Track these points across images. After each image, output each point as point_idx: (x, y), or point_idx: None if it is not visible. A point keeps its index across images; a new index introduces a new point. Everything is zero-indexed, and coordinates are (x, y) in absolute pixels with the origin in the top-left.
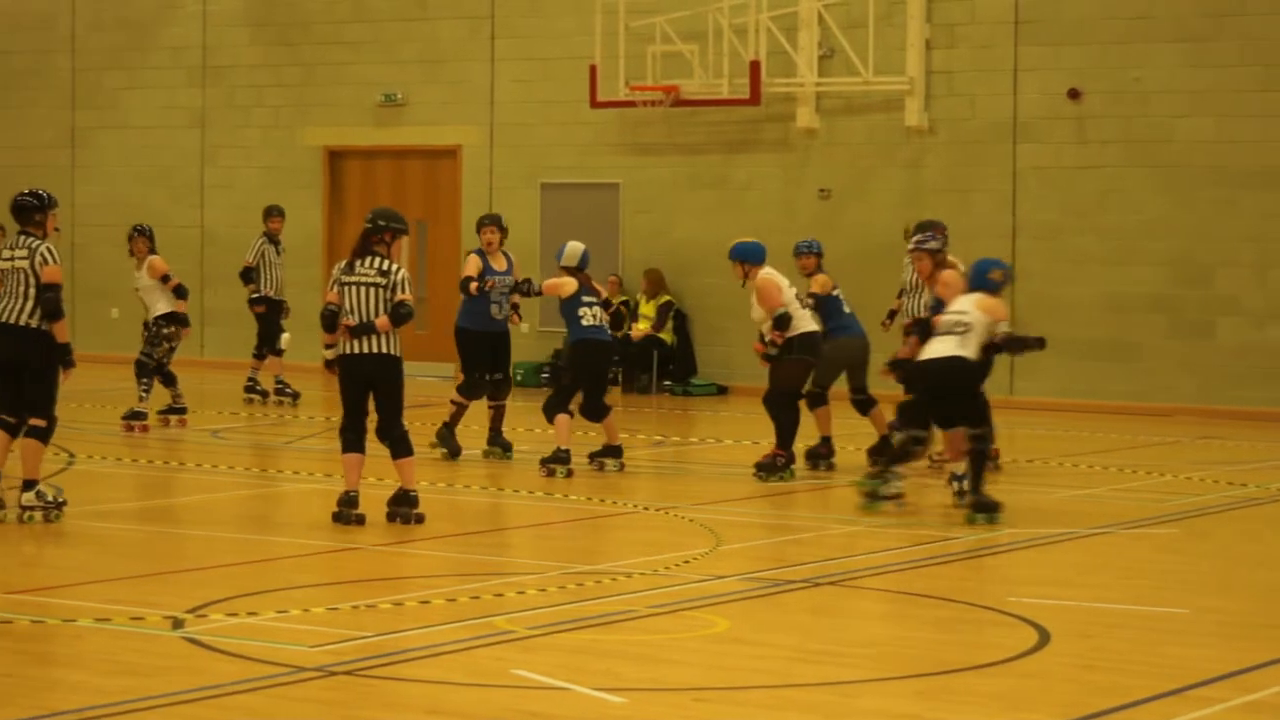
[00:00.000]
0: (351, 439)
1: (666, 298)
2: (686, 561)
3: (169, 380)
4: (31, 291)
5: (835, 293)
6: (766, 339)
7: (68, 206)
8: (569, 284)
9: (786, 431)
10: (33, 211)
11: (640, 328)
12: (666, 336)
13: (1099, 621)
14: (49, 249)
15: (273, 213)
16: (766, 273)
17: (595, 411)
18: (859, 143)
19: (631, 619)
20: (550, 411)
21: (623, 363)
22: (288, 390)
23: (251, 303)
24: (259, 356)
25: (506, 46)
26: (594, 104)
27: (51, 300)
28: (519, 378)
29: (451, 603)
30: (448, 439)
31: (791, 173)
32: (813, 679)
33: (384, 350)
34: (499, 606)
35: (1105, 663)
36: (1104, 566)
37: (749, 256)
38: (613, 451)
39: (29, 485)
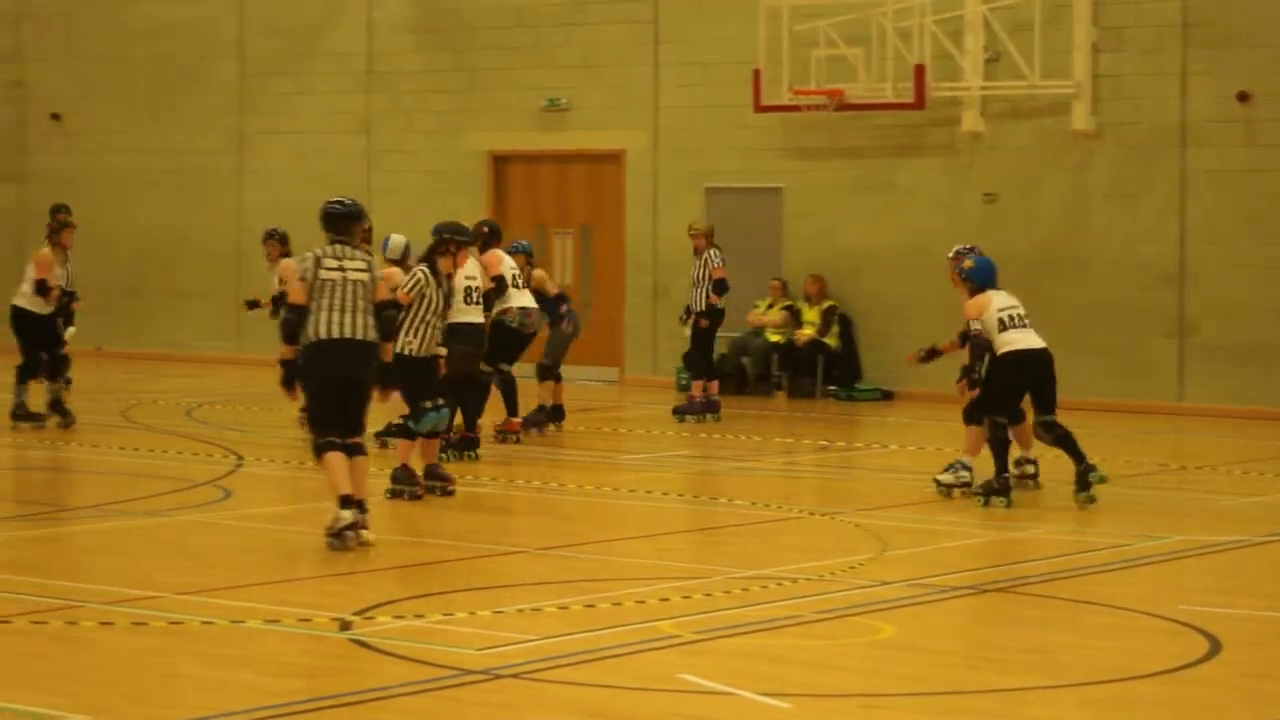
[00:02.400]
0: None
1: (830, 303)
2: (852, 567)
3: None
4: (369, 306)
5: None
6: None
7: (235, 212)
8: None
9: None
10: (351, 220)
11: (804, 333)
12: (831, 341)
13: (1270, 630)
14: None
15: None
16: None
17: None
18: (1024, 146)
19: (797, 624)
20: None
21: (787, 367)
22: None
23: None
24: None
25: (670, 51)
26: (758, 108)
27: (393, 318)
28: (683, 381)
29: (616, 606)
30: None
31: (956, 177)
32: (980, 686)
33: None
34: (664, 611)
35: (1276, 672)
36: (1275, 575)
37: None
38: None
39: (353, 503)
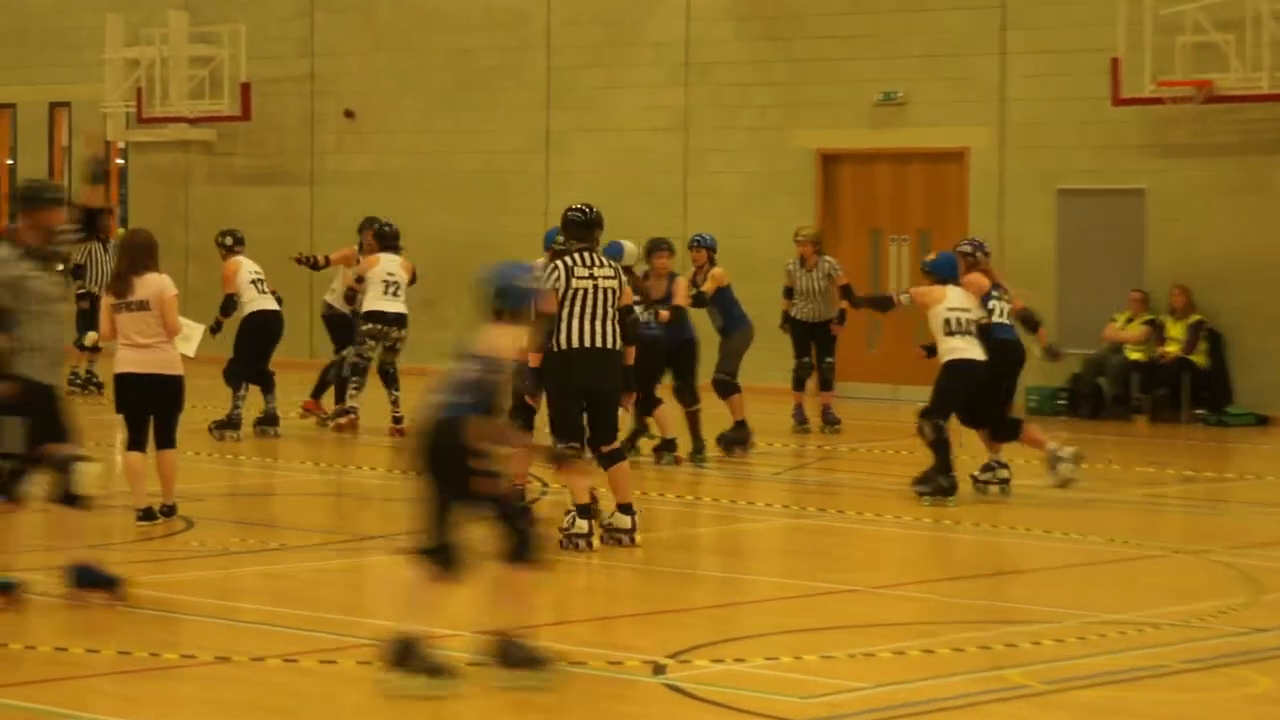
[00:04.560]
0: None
1: (1198, 317)
2: (1222, 612)
3: (389, 382)
4: (616, 314)
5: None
6: None
7: (541, 216)
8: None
9: None
10: (594, 228)
11: (1168, 350)
12: (1198, 359)
13: None
14: None
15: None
16: None
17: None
18: None
19: (1161, 675)
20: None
21: (1149, 388)
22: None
23: (78, 298)
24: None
25: (1019, 39)
26: (1116, 101)
27: (637, 323)
28: (1033, 403)
29: (957, 652)
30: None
31: None
32: None
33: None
34: (1010, 658)
35: None
36: None
37: None
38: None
39: (625, 509)
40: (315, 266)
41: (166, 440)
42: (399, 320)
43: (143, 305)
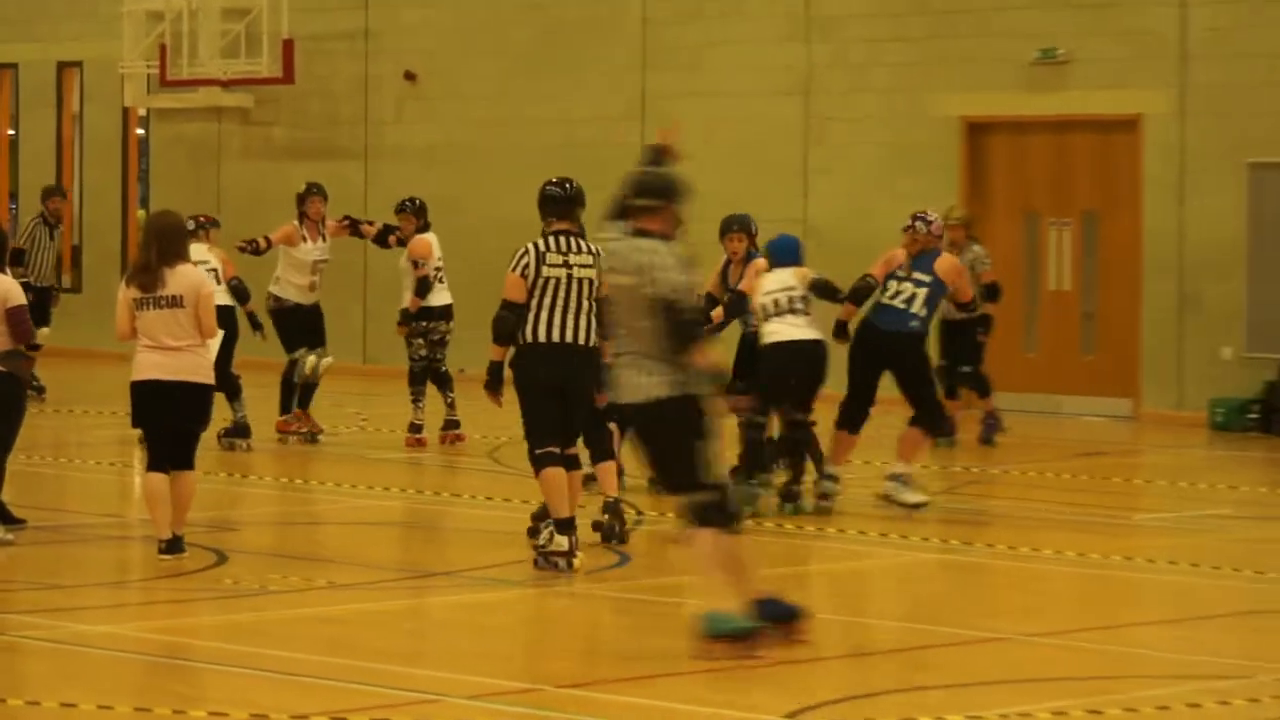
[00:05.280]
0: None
1: None
2: None
3: (442, 383)
4: (594, 305)
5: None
6: None
7: None
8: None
9: None
10: (574, 206)
11: None
12: None
13: None
14: None
15: (53, 193)
16: None
17: None
18: None
19: None
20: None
21: None
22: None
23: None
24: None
25: None
26: None
27: None
28: (1219, 418)
29: (1131, 713)
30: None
31: None
32: None
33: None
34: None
35: None
36: None
37: None
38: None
39: (571, 526)
40: (257, 251)
41: (185, 460)
42: (446, 313)
43: (175, 302)
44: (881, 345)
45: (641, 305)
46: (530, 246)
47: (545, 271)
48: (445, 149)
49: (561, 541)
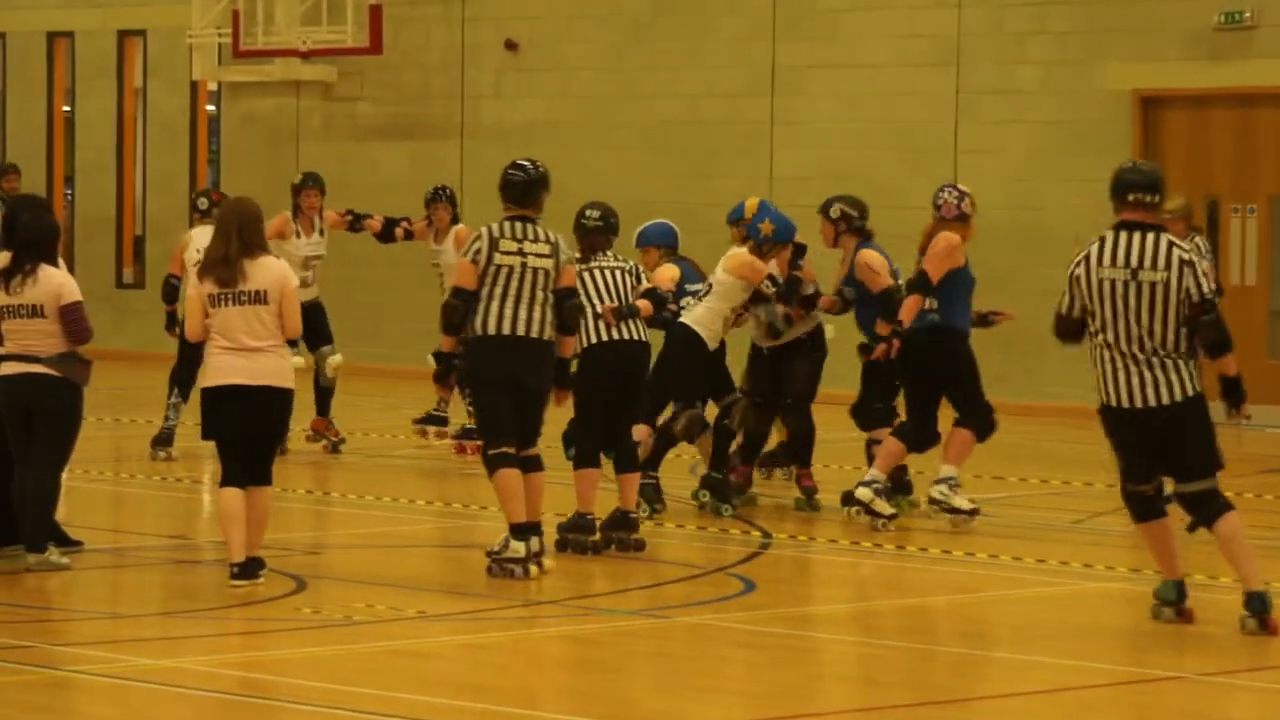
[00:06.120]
0: (592, 451)
1: None
2: None
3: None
4: (549, 297)
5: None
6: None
7: (763, 178)
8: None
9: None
10: (538, 189)
11: None
12: None
13: None
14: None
15: (7, 171)
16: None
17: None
18: None
19: None
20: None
21: None
22: None
23: None
24: None
25: None
26: None
27: (577, 309)
28: None
29: None
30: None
31: None
32: None
33: (641, 338)
34: None
35: None
36: None
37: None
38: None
39: (528, 531)
40: None
41: (263, 474)
42: None
43: (257, 297)
44: (907, 350)
45: None
46: (484, 230)
47: (498, 259)
48: (548, 126)
49: (518, 548)
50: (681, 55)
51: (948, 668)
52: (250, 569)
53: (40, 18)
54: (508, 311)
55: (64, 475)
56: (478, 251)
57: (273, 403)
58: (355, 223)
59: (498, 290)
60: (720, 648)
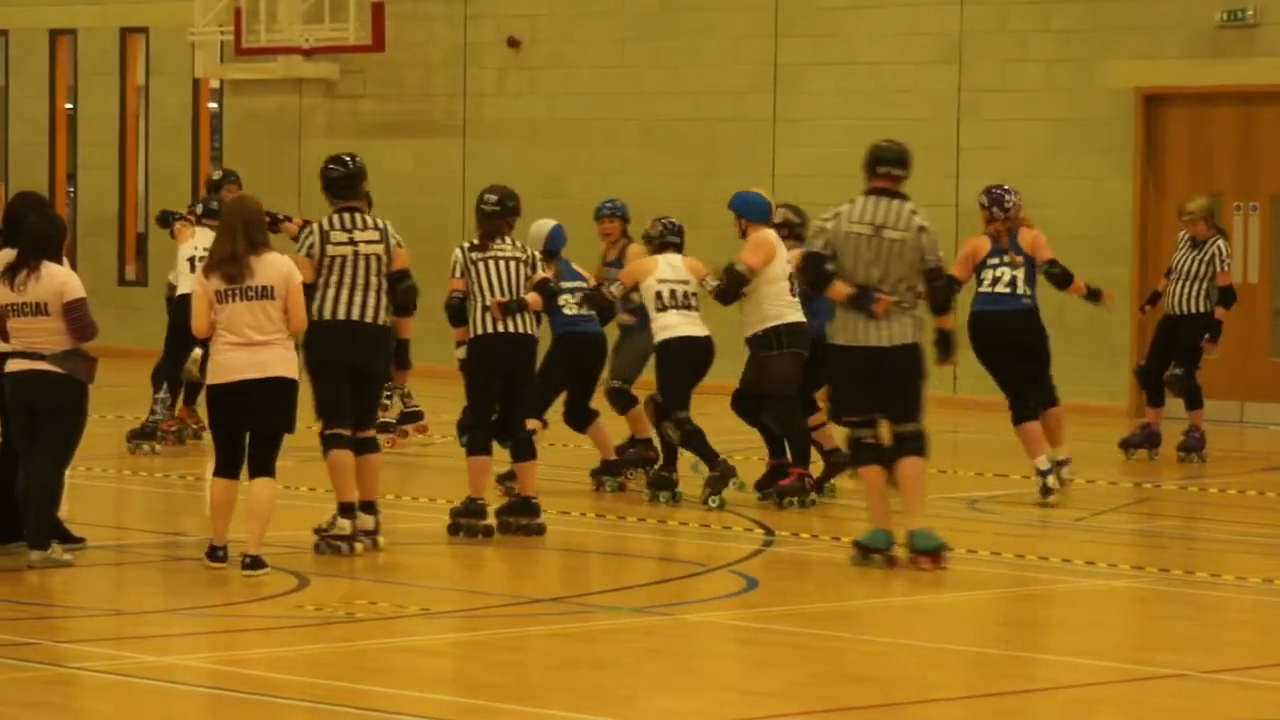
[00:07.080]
0: (484, 439)
1: None
2: None
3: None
4: (383, 282)
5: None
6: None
7: (765, 176)
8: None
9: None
10: (356, 183)
11: None
12: None
13: None
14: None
15: (226, 179)
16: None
17: (580, 418)
18: None
19: None
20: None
21: None
22: None
23: None
24: None
25: None
26: None
27: (411, 290)
28: None
29: None
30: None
31: None
32: None
33: (528, 331)
34: None
35: None
36: None
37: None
38: (609, 468)
39: (367, 507)
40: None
41: (267, 465)
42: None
43: (265, 293)
44: (1002, 327)
45: None
46: (314, 225)
47: (330, 250)
48: (551, 124)
49: (344, 525)
50: (684, 53)
51: (950, 665)
52: (218, 554)
53: (43, 15)
54: (343, 298)
55: (67, 472)
56: (311, 245)
57: (279, 393)
58: (273, 225)
59: (333, 279)
60: (722, 645)
